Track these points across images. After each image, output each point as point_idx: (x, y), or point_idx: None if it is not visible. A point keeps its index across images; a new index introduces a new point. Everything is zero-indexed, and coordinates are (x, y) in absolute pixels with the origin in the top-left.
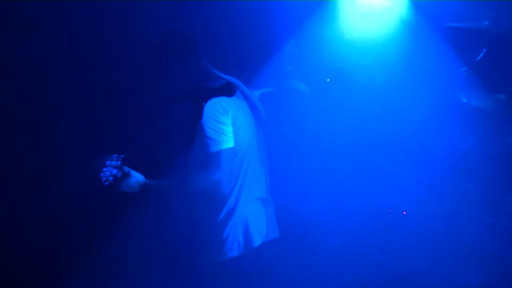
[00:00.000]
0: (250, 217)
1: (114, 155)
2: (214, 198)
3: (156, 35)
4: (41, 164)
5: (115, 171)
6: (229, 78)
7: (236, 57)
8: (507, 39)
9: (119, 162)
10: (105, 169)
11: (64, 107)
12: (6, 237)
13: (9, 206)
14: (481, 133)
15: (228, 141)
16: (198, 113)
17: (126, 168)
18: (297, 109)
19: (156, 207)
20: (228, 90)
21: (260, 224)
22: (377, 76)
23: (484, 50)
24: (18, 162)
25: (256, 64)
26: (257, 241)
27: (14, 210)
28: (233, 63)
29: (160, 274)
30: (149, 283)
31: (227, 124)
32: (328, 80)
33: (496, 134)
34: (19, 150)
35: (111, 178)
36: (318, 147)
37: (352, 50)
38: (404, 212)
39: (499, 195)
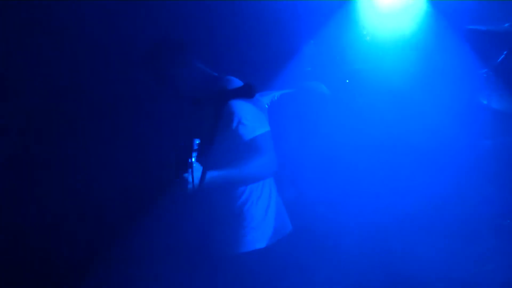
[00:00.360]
0: (280, 205)
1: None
2: (258, 184)
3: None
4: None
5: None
6: (230, 78)
7: (256, 58)
8: None
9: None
10: (194, 153)
11: (81, 107)
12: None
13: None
14: (501, 136)
15: (266, 125)
16: (218, 114)
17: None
18: (316, 110)
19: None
20: (248, 92)
21: (284, 212)
22: (396, 77)
23: (505, 52)
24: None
25: (276, 65)
26: (286, 229)
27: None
28: (253, 64)
29: (189, 268)
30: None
31: (260, 110)
32: (347, 81)
33: None
34: (31, 152)
35: (194, 165)
36: (336, 148)
37: (372, 52)
38: None
39: None
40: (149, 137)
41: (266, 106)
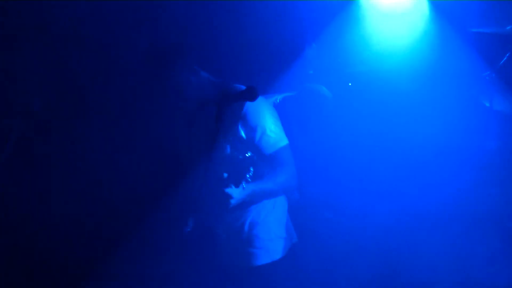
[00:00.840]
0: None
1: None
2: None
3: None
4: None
5: None
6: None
7: (258, 61)
8: None
9: None
10: (251, 168)
11: (82, 107)
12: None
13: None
14: (504, 138)
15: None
16: (220, 117)
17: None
18: (319, 113)
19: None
20: (250, 95)
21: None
22: (399, 80)
23: (507, 54)
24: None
25: (278, 68)
26: (294, 238)
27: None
28: (255, 67)
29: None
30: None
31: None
32: (350, 84)
33: None
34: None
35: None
36: (339, 150)
37: (374, 55)
38: None
39: None
40: (150, 137)
41: None
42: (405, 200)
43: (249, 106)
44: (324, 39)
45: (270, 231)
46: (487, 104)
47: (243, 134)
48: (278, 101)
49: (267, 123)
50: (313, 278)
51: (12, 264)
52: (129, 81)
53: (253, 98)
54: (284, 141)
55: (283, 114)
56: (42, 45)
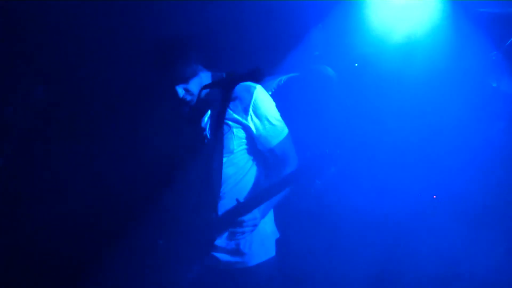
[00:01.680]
0: None
1: None
2: None
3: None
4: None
5: None
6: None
7: (264, 42)
8: None
9: None
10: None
11: (83, 107)
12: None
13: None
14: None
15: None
16: (225, 100)
17: None
18: (324, 94)
19: None
20: (255, 76)
21: None
22: (405, 61)
23: None
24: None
25: (284, 50)
26: (277, 234)
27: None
28: (260, 48)
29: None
30: None
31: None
32: (356, 65)
33: None
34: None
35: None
36: (343, 133)
37: (381, 36)
38: (434, 196)
39: None
40: (151, 137)
41: (273, 89)
42: (406, 196)
43: (256, 98)
44: (330, 20)
45: (266, 227)
46: (494, 85)
47: (253, 128)
48: (282, 82)
49: (272, 111)
50: (312, 279)
51: (12, 264)
52: (131, 79)
53: (259, 78)
54: (285, 130)
55: (288, 95)
56: (43, 43)
